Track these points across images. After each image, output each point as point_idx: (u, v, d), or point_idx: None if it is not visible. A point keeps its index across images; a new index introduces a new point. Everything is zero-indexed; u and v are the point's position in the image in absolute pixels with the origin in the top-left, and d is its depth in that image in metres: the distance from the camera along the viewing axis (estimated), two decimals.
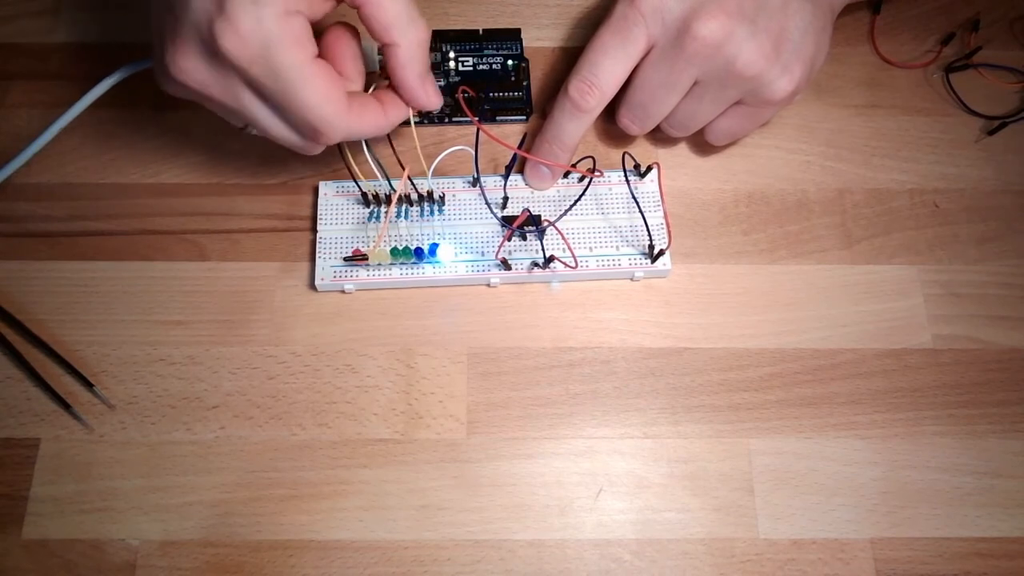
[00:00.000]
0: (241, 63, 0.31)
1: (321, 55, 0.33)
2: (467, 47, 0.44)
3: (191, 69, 0.32)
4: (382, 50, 0.35)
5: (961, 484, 0.37)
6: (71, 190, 0.41)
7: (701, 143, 0.43)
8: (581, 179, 0.41)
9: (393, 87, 0.36)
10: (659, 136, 0.42)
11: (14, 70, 0.44)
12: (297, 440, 0.37)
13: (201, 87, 0.32)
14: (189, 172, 0.42)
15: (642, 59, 0.38)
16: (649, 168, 0.41)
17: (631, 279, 0.40)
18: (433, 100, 0.36)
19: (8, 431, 0.37)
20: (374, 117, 0.35)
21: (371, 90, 0.36)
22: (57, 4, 0.45)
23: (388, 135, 0.37)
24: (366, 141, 0.37)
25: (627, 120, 0.40)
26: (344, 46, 0.35)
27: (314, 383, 0.38)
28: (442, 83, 0.43)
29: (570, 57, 0.45)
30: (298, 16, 0.31)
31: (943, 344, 0.40)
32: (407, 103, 0.36)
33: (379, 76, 0.37)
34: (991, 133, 0.44)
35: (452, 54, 0.44)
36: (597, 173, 0.40)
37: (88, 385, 0.37)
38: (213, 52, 0.31)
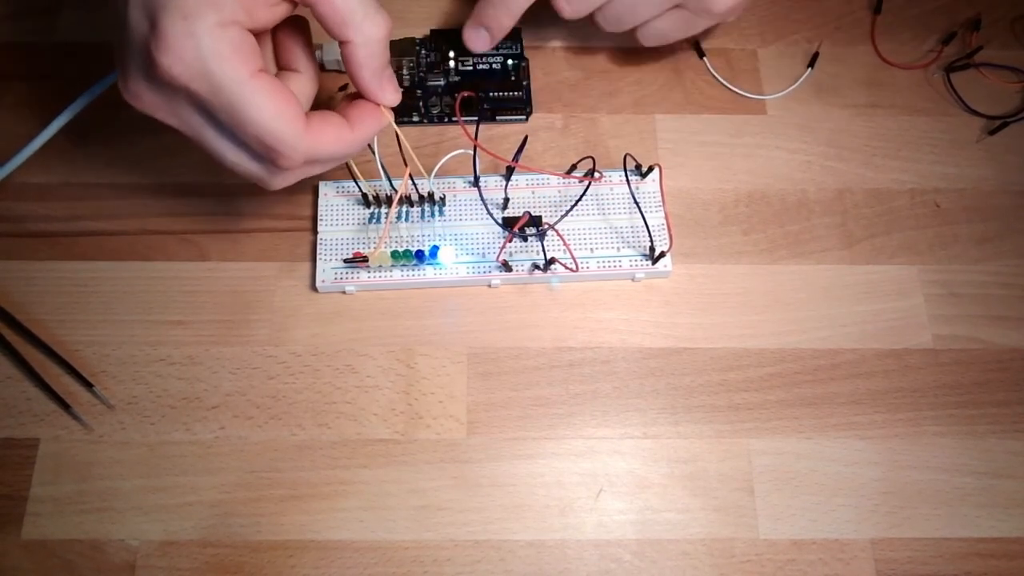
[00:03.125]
0: (181, 81, 0.29)
1: (278, 61, 0.32)
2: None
3: (139, 92, 0.31)
4: (340, 51, 0.33)
5: (961, 484, 0.37)
6: (71, 190, 0.41)
7: (702, 143, 0.43)
8: (581, 180, 0.41)
9: (357, 91, 0.34)
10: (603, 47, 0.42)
11: (14, 70, 0.44)
12: (297, 440, 0.37)
13: (152, 110, 0.31)
14: (189, 172, 0.42)
15: None
16: (651, 168, 0.41)
17: (632, 280, 0.40)
18: (389, 98, 0.34)
19: (8, 431, 0.37)
20: (337, 132, 0.32)
21: (338, 107, 0.34)
22: (57, 4, 0.45)
23: (396, 135, 0.36)
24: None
25: (563, 1, 0.39)
26: (290, 41, 0.33)
27: (314, 383, 0.38)
28: (442, 83, 0.43)
29: (570, 57, 0.45)
30: (235, 27, 0.29)
31: (943, 344, 0.40)
32: (372, 101, 0.34)
33: (338, 92, 0.35)
34: (992, 133, 0.44)
35: (452, 54, 0.44)
36: (597, 175, 0.40)
37: (88, 385, 0.37)
38: (152, 74, 0.29)
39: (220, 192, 0.41)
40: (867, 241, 0.41)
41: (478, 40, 0.40)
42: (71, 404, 0.37)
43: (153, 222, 0.41)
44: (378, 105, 0.34)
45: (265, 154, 0.31)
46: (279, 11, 0.31)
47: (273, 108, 0.30)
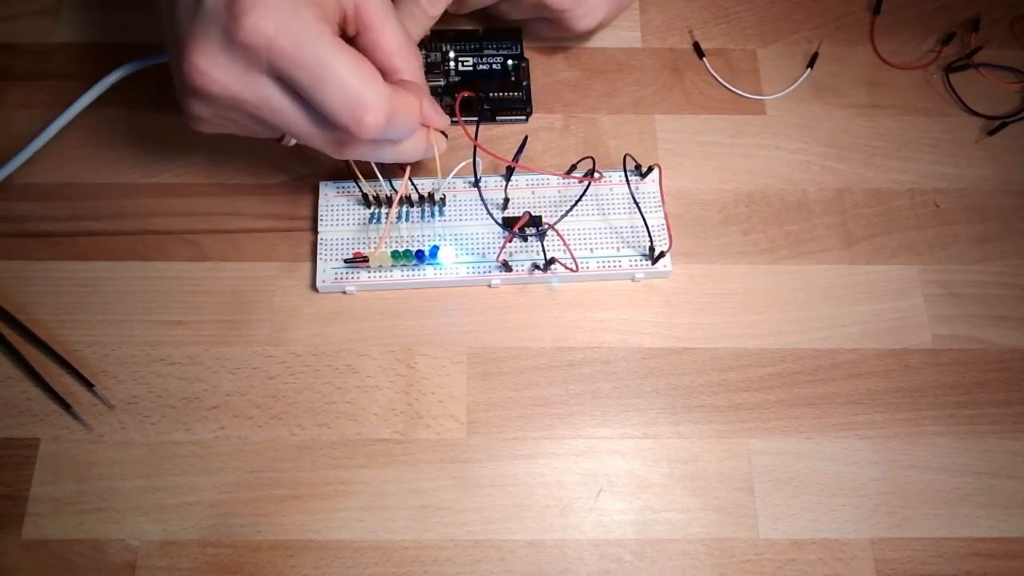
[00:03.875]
0: (267, 37, 0.29)
1: None
2: (467, 47, 0.44)
3: (211, 70, 0.30)
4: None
5: (961, 484, 0.37)
6: (71, 190, 0.41)
7: (702, 143, 0.43)
8: (581, 180, 0.41)
9: None
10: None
11: (14, 70, 0.44)
12: (297, 440, 0.37)
13: (224, 89, 0.31)
14: (189, 172, 0.42)
15: None
16: (650, 169, 0.41)
17: (632, 280, 0.40)
18: (444, 120, 0.36)
19: (8, 431, 0.37)
20: (411, 102, 0.33)
21: None
22: (57, 4, 0.45)
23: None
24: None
25: None
26: (381, 29, 0.34)
27: (314, 383, 0.38)
28: (442, 83, 0.43)
29: (571, 57, 0.45)
30: (316, 5, 0.30)
31: (943, 344, 0.40)
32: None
33: None
34: (991, 133, 0.44)
35: (452, 54, 0.44)
36: (597, 175, 0.40)
37: (88, 385, 0.37)
38: (232, 40, 0.29)
39: (220, 192, 0.41)
40: (867, 241, 0.41)
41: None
42: (71, 404, 0.37)
43: (153, 222, 0.41)
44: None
45: (348, 116, 0.31)
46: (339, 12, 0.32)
47: (355, 60, 0.30)
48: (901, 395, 0.39)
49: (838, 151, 0.43)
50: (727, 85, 0.44)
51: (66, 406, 0.37)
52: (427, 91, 0.36)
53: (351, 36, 0.34)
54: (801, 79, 0.45)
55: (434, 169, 0.37)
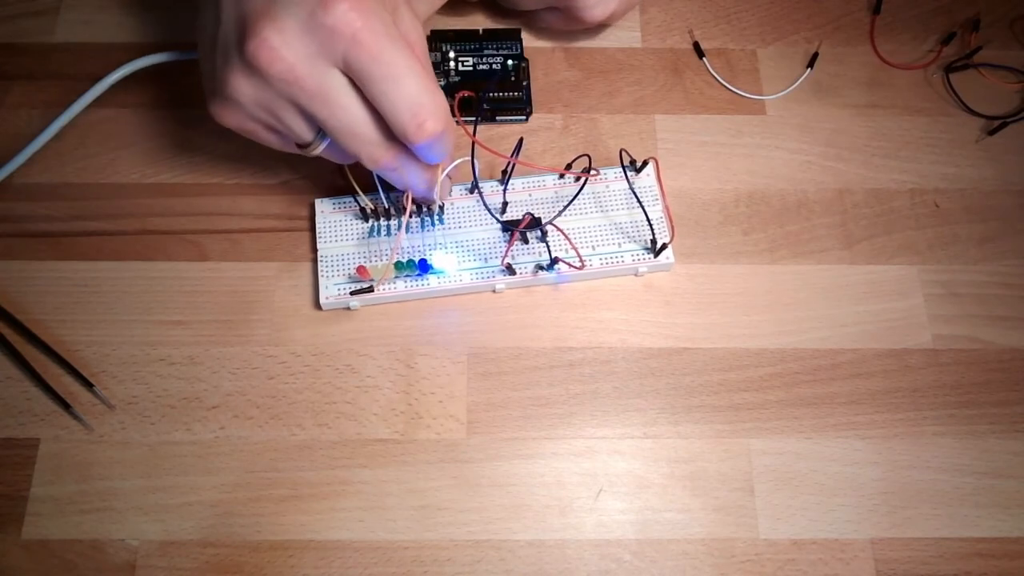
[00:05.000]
0: (351, 27, 0.30)
1: None
2: (467, 47, 0.44)
3: (282, 47, 0.30)
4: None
5: (961, 484, 0.37)
6: (71, 190, 0.41)
7: (702, 143, 0.43)
8: (577, 179, 0.41)
9: None
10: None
11: (14, 70, 0.44)
12: (297, 440, 0.37)
13: (289, 70, 0.30)
14: (189, 172, 0.42)
15: None
16: (645, 163, 0.41)
17: (635, 275, 0.40)
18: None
19: (8, 431, 0.37)
20: (455, 130, 0.34)
21: None
22: (57, 4, 0.45)
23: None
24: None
25: None
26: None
27: (314, 383, 0.38)
28: (442, 83, 0.43)
29: (570, 57, 0.45)
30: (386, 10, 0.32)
31: (943, 344, 0.40)
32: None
33: None
34: (991, 133, 0.44)
35: (452, 54, 0.44)
36: (593, 172, 0.40)
37: (88, 385, 0.37)
38: (317, 22, 0.30)
39: (220, 192, 0.41)
40: (867, 241, 0.41)
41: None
42: (71, 404, 0.37)
43: (153, 222, 0.41)
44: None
45: (411, 118, 0.31)
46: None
47: (428, 74, 0.32)
48: (901, 395, 0.39)
49: (838, 151, 0.43)
50: (727, 85, 0.44)
51: (66, 406, 0.37)
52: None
53: None
54: (801, 79, 0.45)
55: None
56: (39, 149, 0.41)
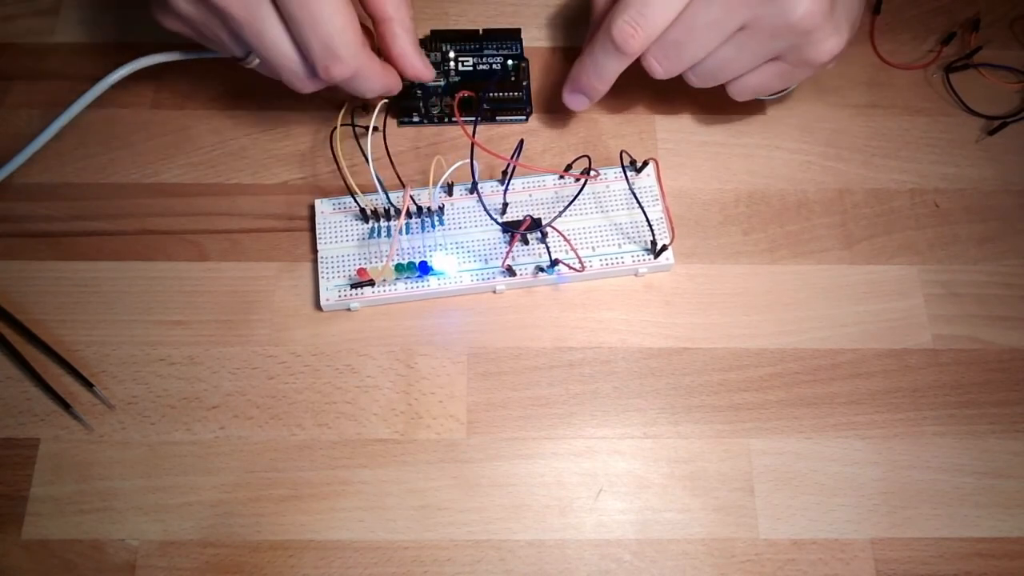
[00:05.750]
0: None
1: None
2: (467, 47, 0.44)
3: None
4: (375, 27, 0.37)
5: (961, 484, 0.37)
6: (71, 190, 0.41)
7: (702, 143, 0.43)
8: (577, 179, 0.41)
9: (390, 60, 0.38)
10: (673, 88, 0.40)
11: (14, 70, 0.44)
12: (297, 440, 0.37)
13: None
14: (189, 172, 0.42)
15: None
16: (645, 164, 0.41)
17: (635, 275, 0.40)
18: (429, 71, 0.38)
19: (8, 431, 0.37)
20: (385, 69, 0.36)
21: None
22: (57, 4, 0.45)
23: (387, 148, 0.37)
24: (364, 154, 0.37)
25: (655, 59, 0.37)
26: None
27: (314, 383, 0.38)
28: (442, 83, 0.43)
29: (571, 57, 0.45)
30: None
31: (943, 344, 0.40)
32: (404, 74, 0.38)
33: None
34: (991, 133, 0.44)
35: (452, 54, 0.44)
36: (593, 173, 0.40)
37: (88, 385, 0.37)
38: None
39: (220, 192, 0.41)
40: (867, 241, 0.41)
41: (576, 102, 0.41)
42: (71, 404, 0.37)
43: (153, 222, 0.41)
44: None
45: (320, 58, 0.33)
46: None
47: (345, 15, 0.33)
48: (901, 395, 0.39)
49: (838, 151, 0.43)
50: None
51: (66, 406, 0.37)
52: (413, 38, 0.38)
53: None
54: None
55: (430, 179, 0.38)
56: (39, 149, 0.41)
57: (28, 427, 0.37)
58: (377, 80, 0.36)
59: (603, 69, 0.38)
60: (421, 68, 0.38)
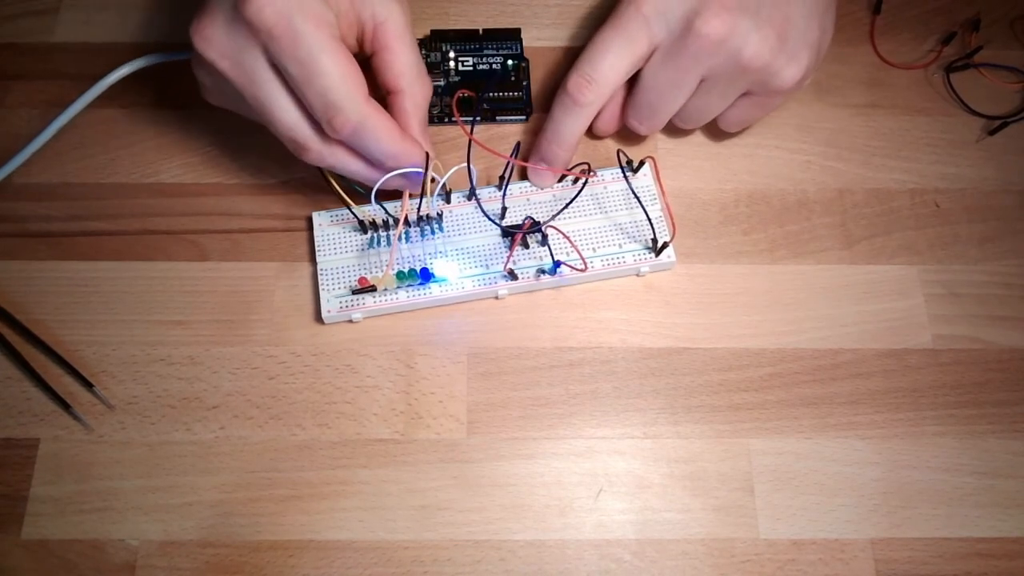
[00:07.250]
0: (268, 23, 0.32)
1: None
2: (467, 47, 0.44)
3: (214, 36, 0.33)
4: (387, 98, 0.36)
5: (961, 484, 0.37)
6: (71, 190, 0.41)
7: (702, 143, 0.43)
8: (576, 180, 0.41)
9: None
10: (667, 130, 0.42)
11: (14, 70, 0.44)
12: (297, 440, 0.37)
13: (220, 58, 0.33)
14: (189, 172, 0.42)
15: (648, 60, 0.38)
16: (641, 163, 0.41)
17: (637, 275, 0.40)
18: (421, 154, 0.36)
19: (8, 431, 0.37)
20: (390, 125, 0.35)
21: None
22: (57, 4, 0.45)
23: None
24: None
25: (635, 122, 0.40)
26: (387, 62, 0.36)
27: (314, 383, 0.38)
28: (442, 83, 0.43)
29: (570, 57, 0.45)
30: (327, 12, 0.33)
31: (943, 344, 0.40)
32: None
33: None
34: (992, 133, 0.44)
35: (452, 54, 0.44)
36: (592, 174, 0.40)
37: (88, 385, 0.37)
38: (237, 15, 0.32)
39: (220, 192, 0.41)
40: (867, 241, 0.41)
41: (543, 179, 0.41)
42: (71, 404, 0.37)
43: (153, 222, 0.41)
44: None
45: (322, 112, 0.33)
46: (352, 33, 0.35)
47: (344, 68, 0.33)
48: (901, 395, 0.39)
49: (838, 151, 0.43)
50: None
51: (66, 406, 0.37)
52: (422, 116, 0.37)
53: (368, 54, 0.36)
54: None
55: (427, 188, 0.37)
56: (39, 149, 0.41)
57: (28, 427, 0.37)
58: (385, 136, 0.34)
59: (563, 130, 0.39)
60: (417, 151, 0.36)
